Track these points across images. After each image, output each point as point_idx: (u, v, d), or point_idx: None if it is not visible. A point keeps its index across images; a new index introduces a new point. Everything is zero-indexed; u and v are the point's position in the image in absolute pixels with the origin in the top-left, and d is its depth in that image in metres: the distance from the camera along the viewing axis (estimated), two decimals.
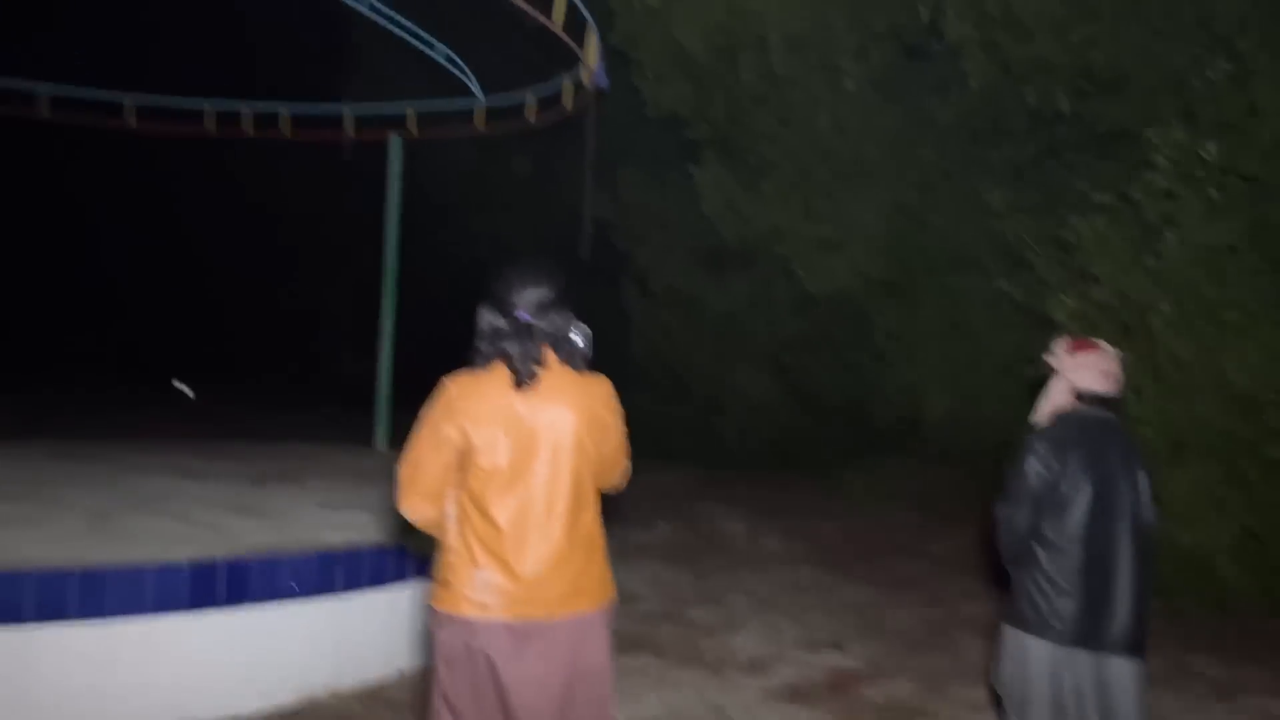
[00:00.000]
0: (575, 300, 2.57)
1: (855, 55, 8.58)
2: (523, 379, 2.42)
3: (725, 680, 4.87)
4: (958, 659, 5.35)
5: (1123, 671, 2.98)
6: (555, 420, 2.44)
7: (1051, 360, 3.22)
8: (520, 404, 2.42)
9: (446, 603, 2.42)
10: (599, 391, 2.55)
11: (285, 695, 4.20)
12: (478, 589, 2.38)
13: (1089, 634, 2.96)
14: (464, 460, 2.43)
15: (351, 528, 4.84)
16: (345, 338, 21.60)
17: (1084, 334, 6.36)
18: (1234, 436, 5.89)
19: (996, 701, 3.24)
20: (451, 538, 2.45)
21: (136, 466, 6.39)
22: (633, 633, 5.65)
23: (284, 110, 8.38)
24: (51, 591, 3.69)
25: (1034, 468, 3.03)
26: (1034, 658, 3.01)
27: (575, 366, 2.51)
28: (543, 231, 14.21)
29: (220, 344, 23.66)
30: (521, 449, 2.41)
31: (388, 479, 6.67)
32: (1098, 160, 7.71)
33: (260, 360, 22.41)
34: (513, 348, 2.43)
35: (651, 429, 13.85)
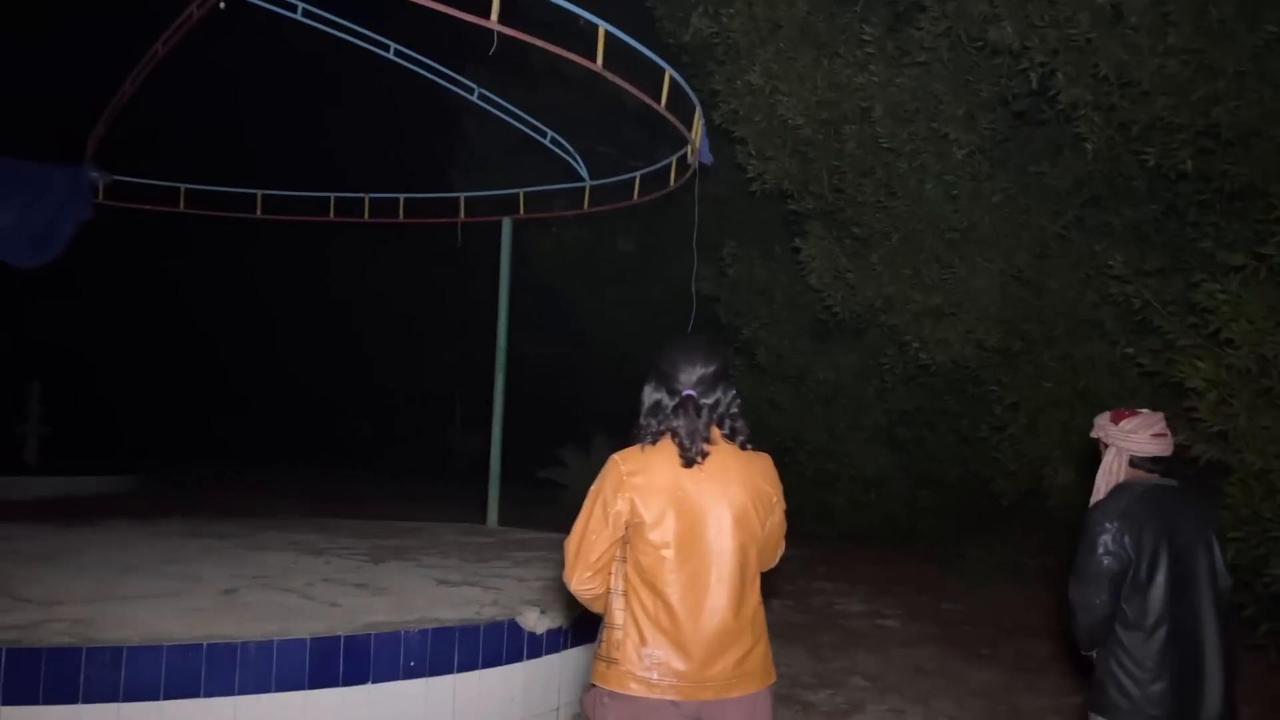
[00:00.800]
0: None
1: (962, 123, 8.48)
2: (691, 456, 2.42)
3: None
4: None
5: None
6: (723, 497, 2.43)
7: (1099, 434, 3.15)
8: (689, 481, 2.42)
9: (613, 681, 2.41)
10: (763, 468, 2.55)
11: None
12: (645, 666, 2.36)
13: (1184, 716, 2.86)
14: (631, 536, 2.43)
15: (467, 604, 4.86)
16: (461, 418, 22.13)
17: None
18: None
19: None
20: (617, 614, 2.45)
21: (261, 544, 6.59)
22: None
23: (401, 197, 8.73)
24: (183, 665, 3.79)
25: (1107, 546, 2.93)
26: None
27: (740, 443, 2.51)
28: (649, 308, 14.38)
29: (342, 424, 24.53)
30: (690, 526, 2.40)
31: (499, 555, 6.73)
32: (1225, 220, 7.38)
33: (381, 441, 23.12)
34: (680, 424, 2.44)
35: None
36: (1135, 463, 3.07)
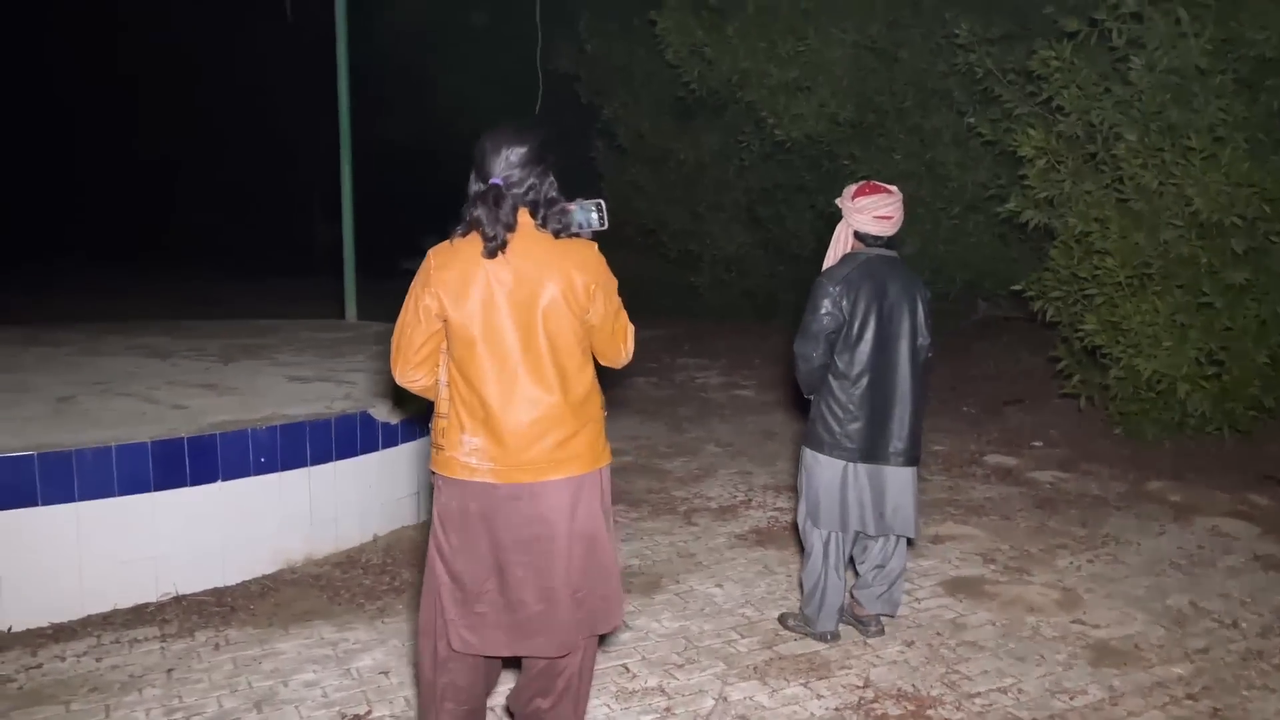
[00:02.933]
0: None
1: None
2: (493, 247, 2.37)
3: (696, 527, 5.01)
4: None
5: (901, 479, 3.48)
6: (529, 286, 2.39)
7: (840, 202, 3.54)
8: (494, 271, 2.38)
9: (440, 465, 2.48)
10: (579, 256, 2.46)
11: (265, 565, 4.31)
12: (466, 452, 2.42)
13: (874, 451, 3.45)
14: (446, 329, 2.44)
15: (321, 399, 4.86)
16: (315, 207, 21.21)
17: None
18: (1197, 263, 5.89)
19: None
20: (443, 404, 2.50)
21: (101, 350, 6.36)
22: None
23: None
24: (16, 476, 3.71)
25: (827, 309, 3.41)
26: (826, 473, 3.50)
27: (556, 231, 2.44)
28: (502, 87, 13.79)
29: (186, 217, 23.20)
30: (498, 316, 2.39)
31: (356, 350, 6.66)
32: None
33: (228, 233, 22.06)
34: (480, 213, 2.38)
35: (625, 286, 13.81)
36: (859, 237, 3.50)
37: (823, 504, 3.54)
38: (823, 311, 3.42)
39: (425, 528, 4.88)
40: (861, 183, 3.55)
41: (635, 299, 11.04)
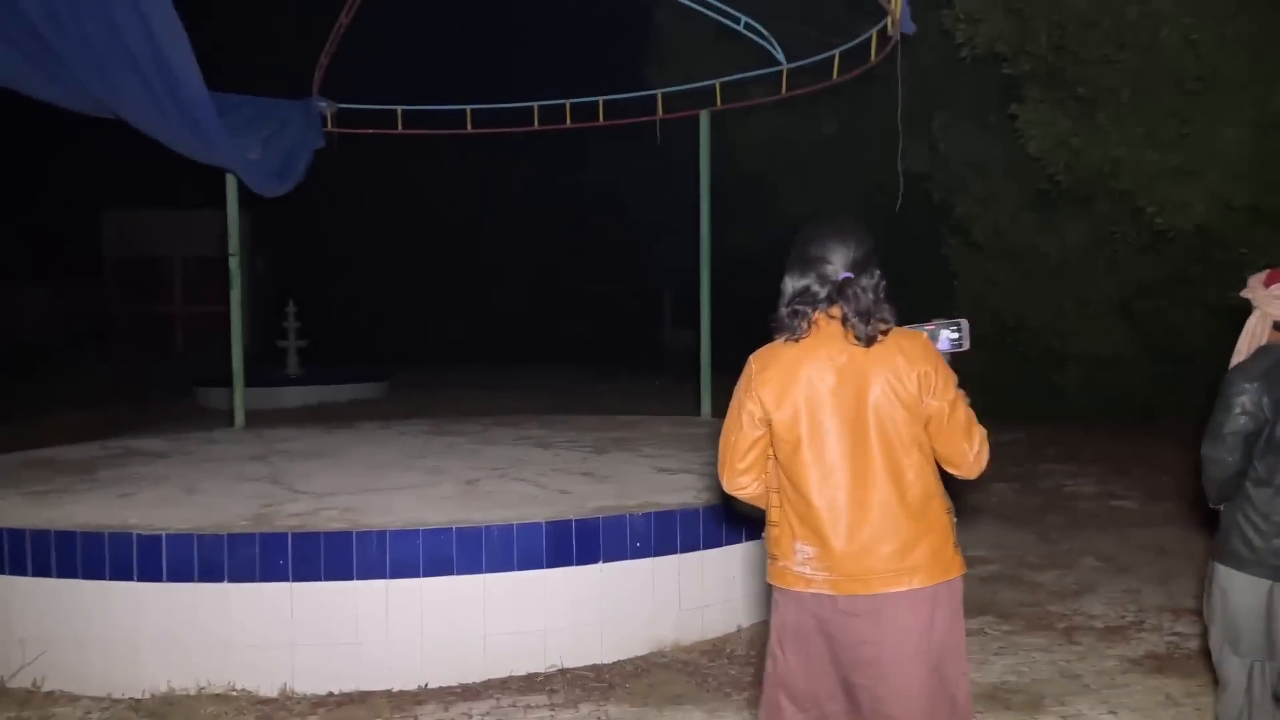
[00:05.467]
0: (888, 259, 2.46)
1: None
2: (865, 335, 2.29)
3: (1080, 646, 4.59)
4: None
5: None
6: (858, 382, 2.30)
7: (1248, 294, 3.17)
8: (819, 370, 2.32)
9: (775, 576, 2.42)
10: (907, 344, 2.34)
11: (638, 647, 4.52)
12: (800, 561, 2.34)
13: None
14: (771, 432, 2.38)
15: (687, 490, 5.08)
16: (671, 314, 22.53)
17: None
18: None
19: (1206, 634, 3.22)
20: (774, 511, 2.43)
21: (494, 440, 7.11)
22: (973, 596, 5.47)
23: (600, 100, 8.84)
24: (436, 547, 4.23)
25: (1244, 407, 3.03)
26: (1247, 594, 3.04)
27: (885, 328, 2.34)
28: (856, 192, 13.94)
29: (552, 327, 25.68)
30: (822, 416, 2.31)
31: (713, 445, 6.94)
32: None
33: (590, 341, 24.04)
34: (845, 307, 2.31)
35: (981, 387, 13.19)
36: (1279, 326, 3.10)
37: (1243, 628, 3.11)
38: (1237, 410, 3.05)
39: None
40: (1271, 269, 3.20)
41: (989, 399, 10.55)
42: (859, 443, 2.30)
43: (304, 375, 16.07)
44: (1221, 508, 3.21)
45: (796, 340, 2.36)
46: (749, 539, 4.88)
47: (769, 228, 15.78)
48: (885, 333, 2.32)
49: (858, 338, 2.30)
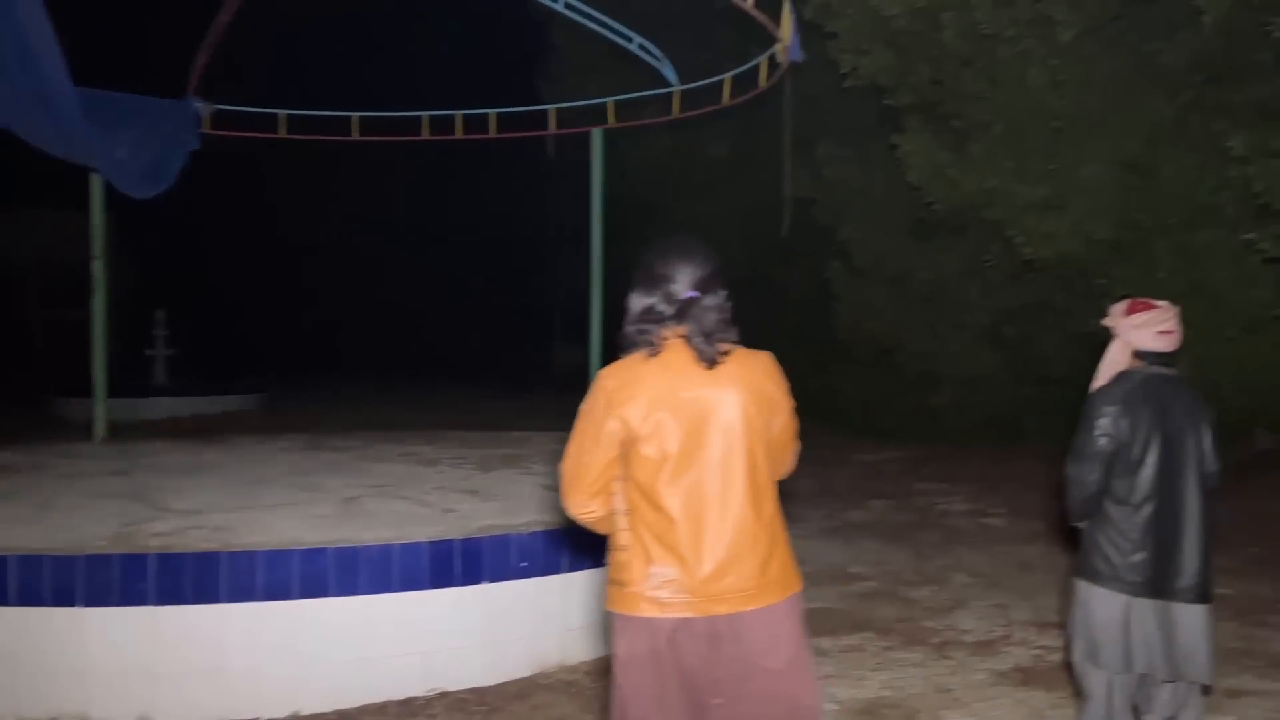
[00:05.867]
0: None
1: (1069, 3, 8.01)
2: (712, 356, 2.29)
3: (951, 661, 4.73)
4: None
5: (1194, 617, 3.15)
6: (721, 401, 2.29)
7: (1110, 323, 3.35)
8: (684, 387, 2.29)
9: (623, 604, 2.30)
10: (764, 366, 2.38)
11: (521, 669, 4.45)
12: (655, 585, 2.25)
13: (1159, 585, 3.15)
14: (628, 452, 2.30)
15: None
16: (561, 331, 22.47)
17: None
18: None
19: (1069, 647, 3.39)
20: (622, 535, 2.33)
21: (377, 456, 6.92)
22: (852, 612, 5.59)
23: (492, 113, 8.77)
24: (312, 568, 4.07)
25: (1104, 429, 3.19)
26: (1106, 609, 3.19)
27: (732, 345, 2.36)
28: (743, 214, 14.21)
29: (437, 338, 25.29)
30: (689, 435, 2.27)
31: None
32: None
33: (477, 354, 23.75)
34: (688, 326, 2.30)
35: (860, 407, 13.61)
36: (1138, 354, 3.30)
37: (1103, 642, 3.26)
38: (1098, 433, 3.22)
39: None
40: (1129, 300, 3.39)
41: (869, 419, 10.96)
42: (719, 461, 2.28)
43: (173, 386, 15.36)
44: (1083, 526, 3.36)
45: (650, 357, 2.32)
46: None
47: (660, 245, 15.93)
48: (726, 354, 2.31)
49: (700, 358, 2.29)
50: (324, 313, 26.17)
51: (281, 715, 3.96)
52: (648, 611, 2.26)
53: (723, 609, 2.25)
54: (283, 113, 8.51)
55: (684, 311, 2.31)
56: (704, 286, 2.33)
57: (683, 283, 2.33)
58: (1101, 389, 3.32)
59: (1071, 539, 3.46)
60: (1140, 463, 3.19)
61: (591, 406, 2.34)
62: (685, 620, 2.24)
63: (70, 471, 6.04)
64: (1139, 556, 3.18)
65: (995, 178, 8.81)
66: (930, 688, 4.39)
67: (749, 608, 2.26)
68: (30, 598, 3.89)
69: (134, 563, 3.94)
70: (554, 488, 5.61)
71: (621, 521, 2.33)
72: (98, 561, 3.93)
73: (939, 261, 11.37)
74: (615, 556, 2.34)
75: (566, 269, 15.64)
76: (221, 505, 4.99)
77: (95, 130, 6.26)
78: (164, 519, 4.59)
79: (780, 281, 14.53)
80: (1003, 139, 8.77)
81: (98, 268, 7.55)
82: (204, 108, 8.02)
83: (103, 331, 7.70)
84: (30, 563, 3.90)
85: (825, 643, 5.01)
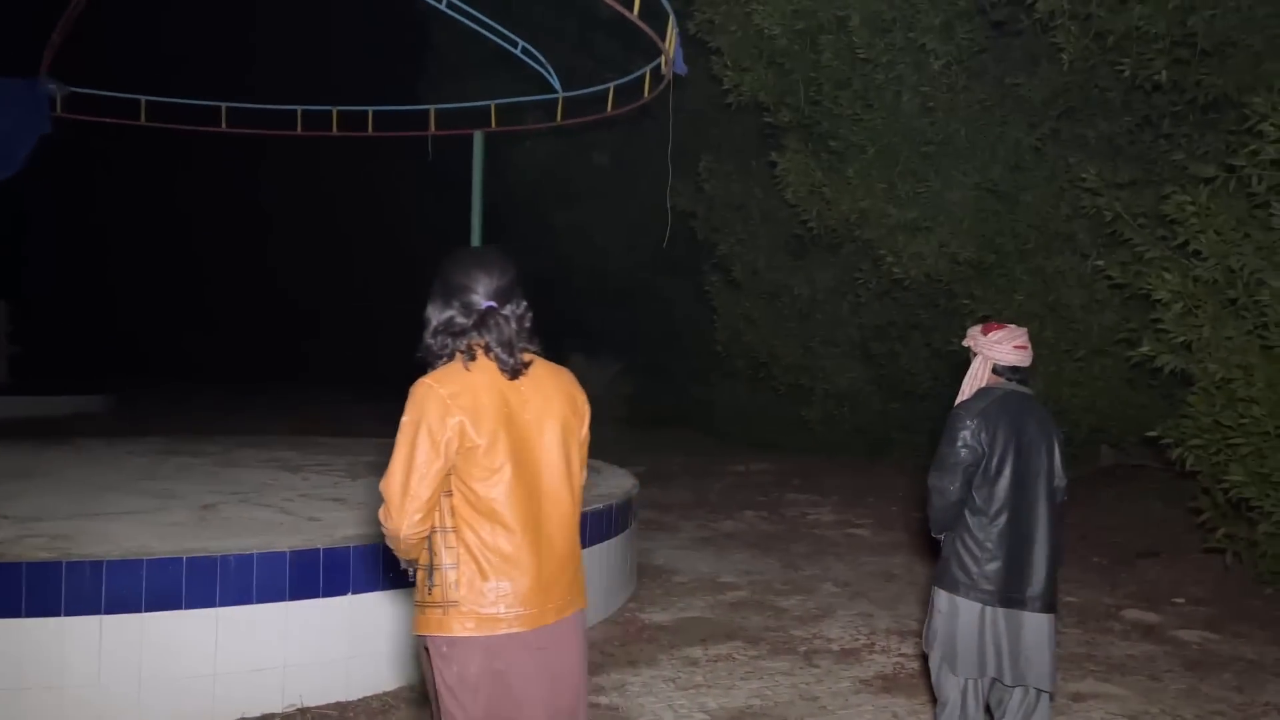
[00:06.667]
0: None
1: (940, 33, 8.34)
2: (515, 366, 2.28)
3: (818, 669, 4.83)
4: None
5: (1039, 626, 3.29)
6: (546, 410, 2.31)
7: (969, 342, 3.56)
8: (511, 395, 2.27)
9: (453, 624, 2.20)
10: (571, 376, 2.44)
11: (386, 682, 4.31)
12: (490, 601, 2.19)
13: (1011, 594, 3.28)
14: (461, 463, 2.22)
15: None
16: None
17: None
18: None
19: (924, 658, 3.55)
20: (446, 554, 2.22)
21: (237, 461, 6.63)
22: (723, 621, 5.65)
23: (369, 110, 8.55)
24: (164, 579, 3.85)
25: (965, 441, 3.32)
26: (964, 617, 3.32)
27: (536, 354, 2.37)
28: (626, 223, 14.26)
29: (304, 343, 24.44)
30: (520, 444, 2.25)
31: None
32: (1198, 131, 7.38)
33: (346, 359, 23.06)
34: (491, 338, 2.28)
35: (737, 418, 13.84)
36: (997, 370, 3.48)
37: (959, 649, 3.37)
38: (959, 444, 3.35)
39: None
40: (985, 322, 3.59)
41: (745, 432, 11.08)
42: (553, 466, 2.30)
43: (14, 385, 14.40)
44: (942, 537, 3.48)
45: (467, 367, 2.28)
46: None
47: (542, 251, 15.86)
48: (528, 364, 2.32)
49: (502, 368, 2.28)
50: (183, 314, 24.97)
51: None
52: (481, 630, 2.20)
53: (550, 619, 2.27)
54: (144, 98, 8.10)
55: (483, 322, 2.29)
56: (502, 297, 2.32)
57: (481, 293, 2.31)
58: (963, 403, 3.46)
59: (932, 549, 3.56)
60: (998, 474, 3.32)
61: (423, 415, 2.22)
62: (516, 635, 2.22)
63: None
64: (993, 566, 3.30)
65: (868, 199, 9.09)
66: (797, 695, 4.46)
67: (567, 614, 2.31)
68: None
69: None
70: None
71: (446, 539, 2.23)
72: None
73: (814, 278, 11.66)
74: (442, 577, 2.22)
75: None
76: (63, 512, 4.68)
77: None
78: None
79: (662, 292, 14.66)
80: (875, 161, 9.06)
81: None
82: (57, 89, 7.55)
83: None
84: None
85: (695, 652, 5.05)
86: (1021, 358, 3.45)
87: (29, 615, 3.70)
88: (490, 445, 2.21)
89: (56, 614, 3.73)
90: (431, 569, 2.23)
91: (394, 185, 20.05)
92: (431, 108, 8.91)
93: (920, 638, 5.12)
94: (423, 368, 2.34)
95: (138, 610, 3.81)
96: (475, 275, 2.32)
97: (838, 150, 9.49)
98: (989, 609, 3.32)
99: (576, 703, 2.36)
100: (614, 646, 5.11)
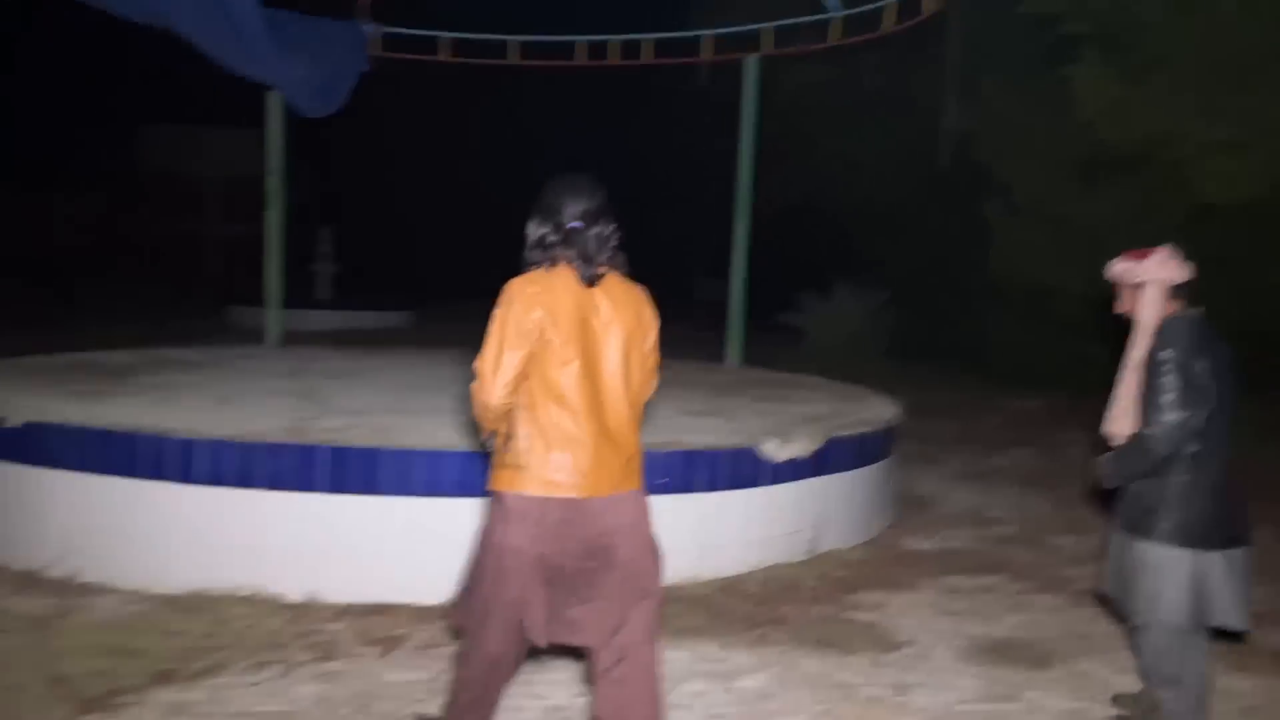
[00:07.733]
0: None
1: None
2: (590, 274, 2.67)
3: (1092, 610, 4.64)
4: None
5: (1244, 561, 3.12)
6: (614, 319, 2.69)
7: (1129, 276, 3.23)
8: (586, 301, 2.66)
9: (520, 483, 2.63)
10: (642, 295, 2.80)
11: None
12: (553, 469, 2.61)
13: (1225, 535, 3.08)
14: (539, 351, 2.62)
15: (713, 432, 5.12)
16: (702, 263, 22.39)
17: None
18: None
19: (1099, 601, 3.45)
20: (522, 427, 2.65)
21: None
22: (989, 553, 5.54)
23: (647, 38, 8.74)
24: (459, 470, 4.31)
25: (1193, 372, 3.01)
26: (1175, 564, 3.07)
27: (621, 273, 2.76)
28: (897, 148, 13.79)
29: None
30: (591, 343, 2.65)
31: (739, 391, 6.93)
32: None
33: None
34: (572, 252, 2.67)
35: (1009, 353, 13.14)
36: (1175, 290, 3.18)
37: (1169, 603, 3.14)
38: (1184, 374, 3.03)
39: (803, 566, 4.98)
40: (1125, 254, 3.31)
41: (1018, 368, 10.49)
42: (617, 364, 2.69)
43: (334, 300, 16.21)
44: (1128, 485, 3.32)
45: (551, 274, 2.67)
46: (769, 483, 4.94)
47: (809, 179, 15.66)
48: (601, 276, 2.70)
49: (580, 277, 2.67)
50: (487, 237, 26.89)
51: (433, 602, 4.24)
52: (541, 491, 2.62)
53: (604, 491, 2.65)
54: (445, 35, 8.71)
55: (568, 238, 2.68)
56: (590, 218, 2.70)
57: (568, 214, 2.70)
58: (1168, 337, 3.11)
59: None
60: (1220, 407, 3.08)
61: (510, 306, 2.64)
62: (572, 500, 2.62)
63: (246, 370, 6.53)
64: (1210, 507, 3.14)
65: (1173, 115, 8.26)
66: (1066, 632, 4.33)
67: (620, 490, 2.68)
68: (213, 478, 4.27)
69: (309, 453, 4.27)
70: (691, 412, 5.71)
71: (523, 415, 2.66)
72: (278, 450, 4.27)
73: (1104, 203, 10.80)
74: (516, 444, 2.66)
75: (710, 200, 15.52)
76: (381, 407, 5.31)
77: (275, 48, 6.57)
78: (331, 416, 4.93)
79: (930, 221, 14.09)
80: (1188, 72, 8.19)
81: (273, 183, 7.99)
82: (373, 30, 8.30)
83: (278, 244, 8.17)
84: (217, 448, 4.27)
85: (958, 580, 5.00)
86: (1190, 270, 3.21)
87: (359, 492, 4.27)
88: (565, 340, 2.62)
89: (379, 492, 4.29)
90: (509, 437, 2.68)
91: (656, 113, 20.32)
92: (708, 33, 8.95)
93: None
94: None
95: (447, 495, 4.30)
96: (565, 199, 2.72)
97: (1143, 62, 8.66)
98: (1202, 554, 3.10)
99: (640, 558, 2.70)
100: (872, 568, 5.15)
